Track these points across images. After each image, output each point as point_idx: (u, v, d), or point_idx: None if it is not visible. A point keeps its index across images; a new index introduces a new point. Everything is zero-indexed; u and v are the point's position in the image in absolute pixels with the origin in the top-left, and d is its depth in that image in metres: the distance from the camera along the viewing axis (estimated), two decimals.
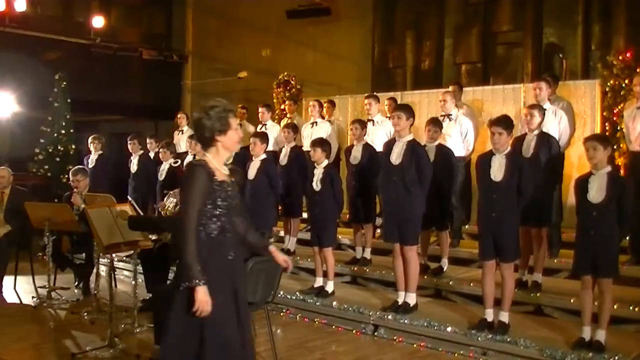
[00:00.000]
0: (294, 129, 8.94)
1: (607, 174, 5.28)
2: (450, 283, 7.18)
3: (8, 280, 8.02)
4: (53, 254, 7.44)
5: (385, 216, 6.67)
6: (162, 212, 6.51)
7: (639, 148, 6.85)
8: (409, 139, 6.38)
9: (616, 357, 5.16)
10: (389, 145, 6.54)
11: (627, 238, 6.88)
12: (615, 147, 7.89)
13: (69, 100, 14.12)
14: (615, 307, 5.72)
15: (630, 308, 6.01)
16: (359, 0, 13.67)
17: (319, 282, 7.29)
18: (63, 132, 13.93)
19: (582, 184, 5.39)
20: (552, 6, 11.19)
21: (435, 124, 7.30)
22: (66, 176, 10.23)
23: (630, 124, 6.98)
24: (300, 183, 8.28)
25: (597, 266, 5.27)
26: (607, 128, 8.34)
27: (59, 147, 13.66)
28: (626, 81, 8.20)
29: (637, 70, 7.94)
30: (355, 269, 7.95)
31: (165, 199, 6.58)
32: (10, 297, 7.79)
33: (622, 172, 7.75)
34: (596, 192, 5.27)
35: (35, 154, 13.80)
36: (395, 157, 6.35)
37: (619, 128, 8.07)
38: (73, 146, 13.89)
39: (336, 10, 13.83)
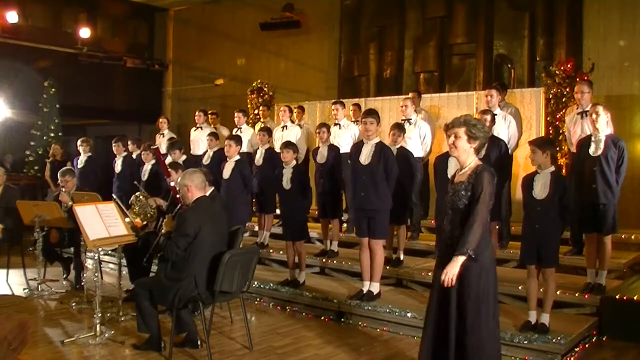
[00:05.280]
0: (269, 132, 8.92)
1: (551, 173, 5.37)
2: (410, 273, 7.22)
3: (1, 273, 7.92)
4: (43, 248, 7.35)
5: (356, 213, 6.65)
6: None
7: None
8: (377, 141, 6.41)
9: (558, 337, 5.25)
10: (357, 147, 6.54)
11: (568, 231, 6.99)
12: (557, 148, 8.01)
13: (57, 106, 13.98)
14: (557, 293, 5.81)
15: (571, 294, 6.12)
16: (327, 14, 13.68)
17: (292, 275, 7.25)
18: (52, 135, 13.77)
19: (528, 181, 5.47)
20: (502, 21, 11.30)
21: (400, 128, 7.32)
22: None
23: (571, 128, 7.08)
24: (273, 182, 8.24)
25: (541, 257, 5.35)
26: (550, 131, 8.44)
27: (48, 150, 13.50)
28: (567, 89, 8.32)
29: (577, 79, 8.04)
30: (324, 260, 7.95)
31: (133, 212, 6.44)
32: (3, 289, 7.66)
33: (564, 171, 7.87)
34: (541, 189, 5.35)
35: (26, 156, 13.63)
36: (365, 157, 6.35)
37: (561, 131, 8.18)
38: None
39: (306, 23, 13.82)
